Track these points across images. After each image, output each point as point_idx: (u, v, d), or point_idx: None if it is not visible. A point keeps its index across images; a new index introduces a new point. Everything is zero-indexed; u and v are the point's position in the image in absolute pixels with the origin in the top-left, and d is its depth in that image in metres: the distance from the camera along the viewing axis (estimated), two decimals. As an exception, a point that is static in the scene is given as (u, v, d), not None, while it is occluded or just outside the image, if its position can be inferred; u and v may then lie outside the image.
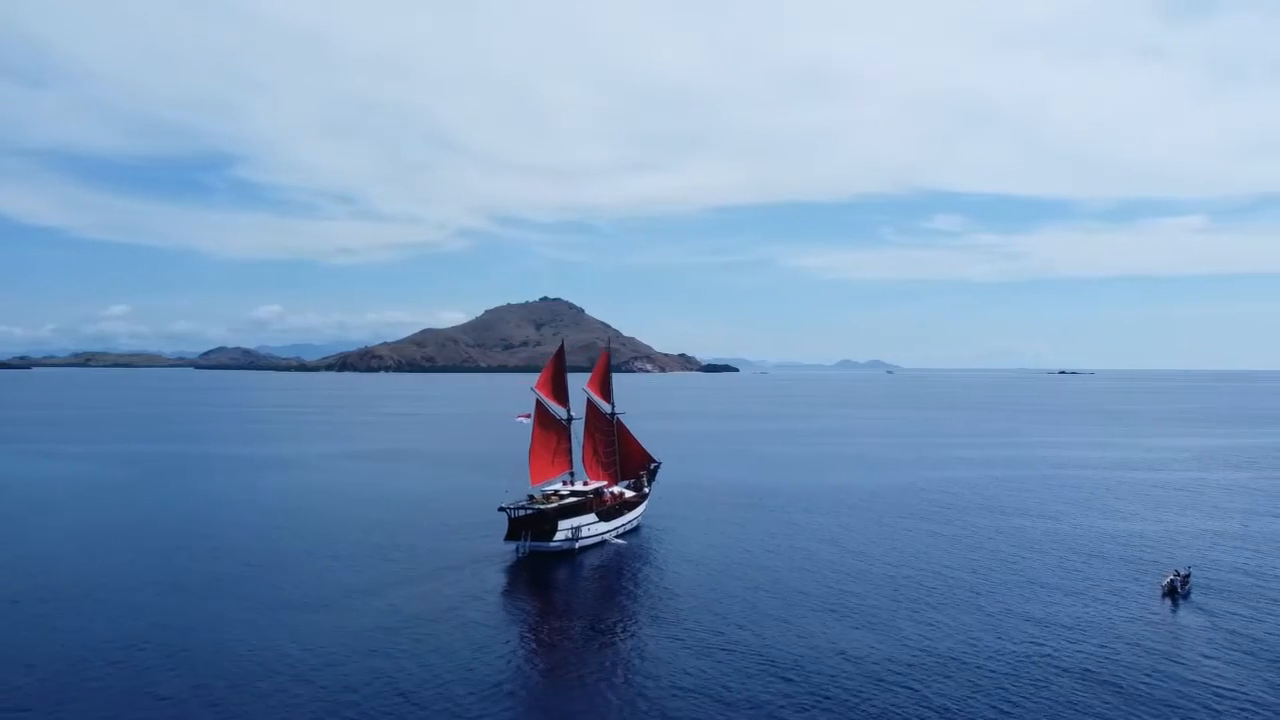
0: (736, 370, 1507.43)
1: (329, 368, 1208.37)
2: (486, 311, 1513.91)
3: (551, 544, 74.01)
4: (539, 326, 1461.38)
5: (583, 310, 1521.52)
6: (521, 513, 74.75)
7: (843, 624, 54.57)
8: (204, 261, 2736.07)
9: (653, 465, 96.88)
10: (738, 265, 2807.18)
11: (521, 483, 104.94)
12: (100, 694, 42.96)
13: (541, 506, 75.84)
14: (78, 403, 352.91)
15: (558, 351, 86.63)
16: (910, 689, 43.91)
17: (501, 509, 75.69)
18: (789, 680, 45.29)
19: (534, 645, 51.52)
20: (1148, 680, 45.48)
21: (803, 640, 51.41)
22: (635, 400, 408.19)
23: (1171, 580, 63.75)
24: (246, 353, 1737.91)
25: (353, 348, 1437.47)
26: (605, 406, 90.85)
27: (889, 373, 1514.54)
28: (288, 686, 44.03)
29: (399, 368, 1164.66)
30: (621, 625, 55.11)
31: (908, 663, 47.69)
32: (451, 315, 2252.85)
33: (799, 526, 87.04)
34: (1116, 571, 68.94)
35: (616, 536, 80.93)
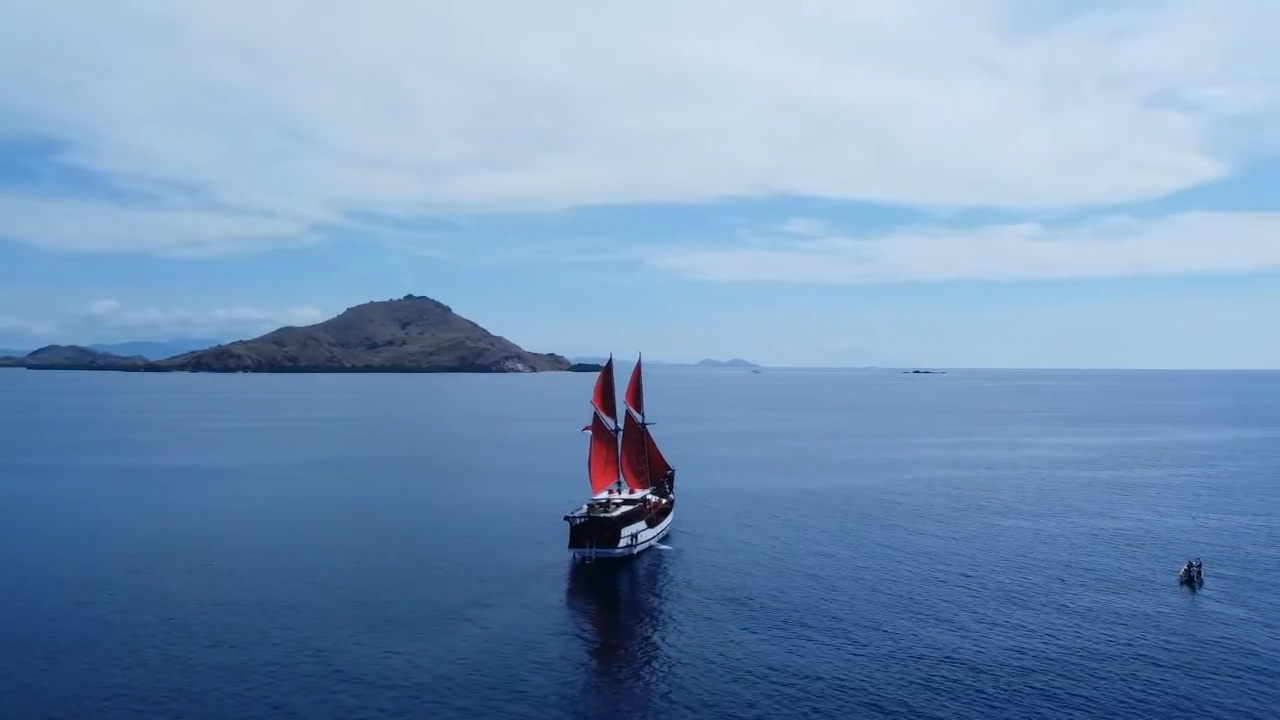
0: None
1: (181, 367, 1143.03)
2: (349, 309, 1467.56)
3: (616, 551, 76.89)
4: (404, 325, 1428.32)
5: (449, 309, 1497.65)
6: (589, 521, 77.35)
7: (890, 625, 58.78)
8: (30, 253, 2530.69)
9: (669, 472, 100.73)
10: (602, 264, 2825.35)
11: (549, 492, 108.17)
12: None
13: (606, 515, 78.52)
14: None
15: (607, 366, 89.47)
16: (965, 689, 47.43)
17: (567, 518, 78.22)
18: (848, 674, 49.97)
19: (648, 659, 53.19)
20: (1202, 658, 52.17)
21: (860, 636, 56.10)
22: (518, 403, 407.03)
23: (1187, 570, 72.14)
24: (82, 351, 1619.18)
25: (200, 346, 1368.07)
26: (638, 417, 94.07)
27: (755, 372, 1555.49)
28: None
29: (258, 368, 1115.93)
30: (718, 631, 57.82)
31: (951, 662, 51.41)
32: (307, 313, 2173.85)
33: (803, 526, 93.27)
34: (1126, 565, 76.26)
35: (659, 542, 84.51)
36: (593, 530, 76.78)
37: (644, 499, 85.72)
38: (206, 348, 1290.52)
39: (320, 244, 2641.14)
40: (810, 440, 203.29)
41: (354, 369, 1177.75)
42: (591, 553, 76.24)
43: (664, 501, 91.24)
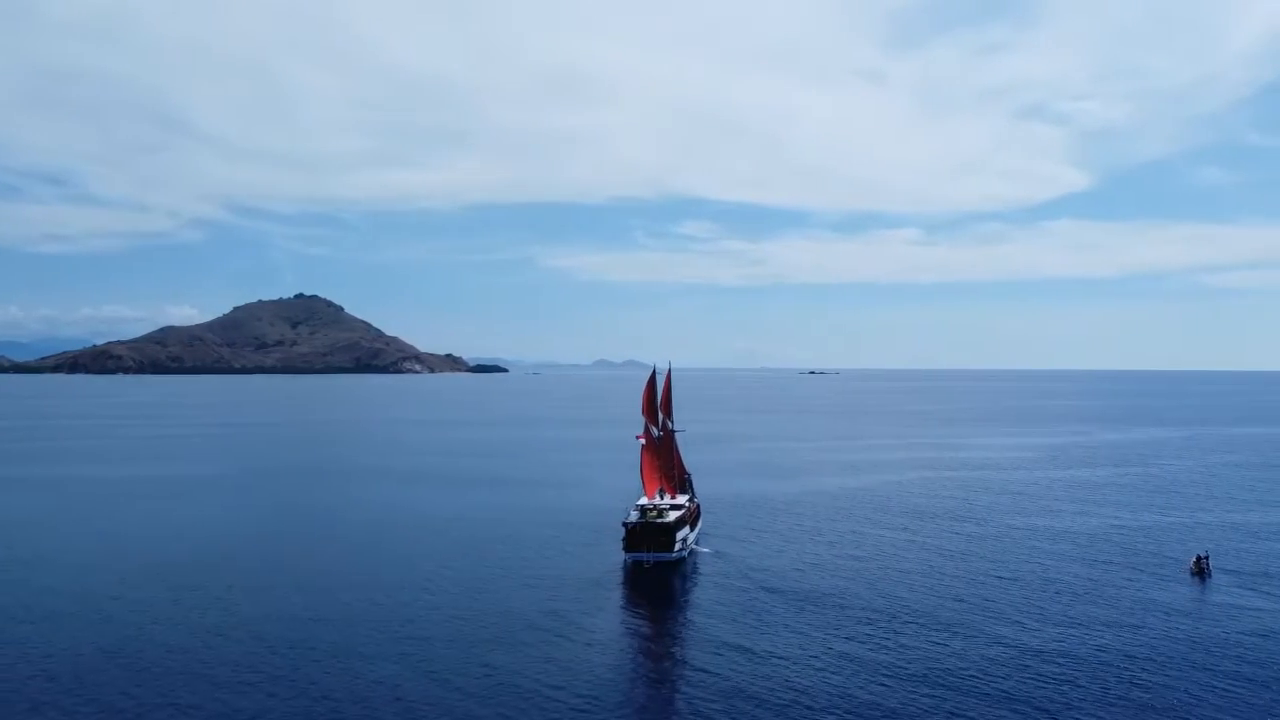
0: (506, 370, 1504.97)
1: (55, 369, 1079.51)
2: (235, 308, 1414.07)
3: (672, 555, 79.84)
4: (295, 325, 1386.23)
5: (342, 308, 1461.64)
6: (646, 526, 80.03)
7: (926, 628, 60.90)
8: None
9: (686, 476, 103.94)
10: (496, 264, 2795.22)
11: (554, 496, 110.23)
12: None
13: (663, 520, 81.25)
14: None
15: (651, 376, 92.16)
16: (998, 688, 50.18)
17: (625, 524, 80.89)
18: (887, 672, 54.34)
19: (748, 668, 53.53)
20: (1247, 652, 56.36)
21: (906, 638, 58.66)
22: (448, 406, 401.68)
23: (1197, 561, 78.81)
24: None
25: (70, 346, 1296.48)
26: (669, 424, 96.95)
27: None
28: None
29: (140, 369, 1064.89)
30: (800, 633, 60.25)
31: (975, 661, 54.14)
32: (186, 312, 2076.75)
33: (814, 528, 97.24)
34: (1133, 562, 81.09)
35: (697, 544, 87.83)
36: (650, 535, 79.51)
37: (686, 504, 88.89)
38: (79, 348, 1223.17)
39: (199, 240, 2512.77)
40: (764, 442, 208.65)
41: (244, 370, 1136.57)
42: (649, 557, 78.89)
43: (696, 505, 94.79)
